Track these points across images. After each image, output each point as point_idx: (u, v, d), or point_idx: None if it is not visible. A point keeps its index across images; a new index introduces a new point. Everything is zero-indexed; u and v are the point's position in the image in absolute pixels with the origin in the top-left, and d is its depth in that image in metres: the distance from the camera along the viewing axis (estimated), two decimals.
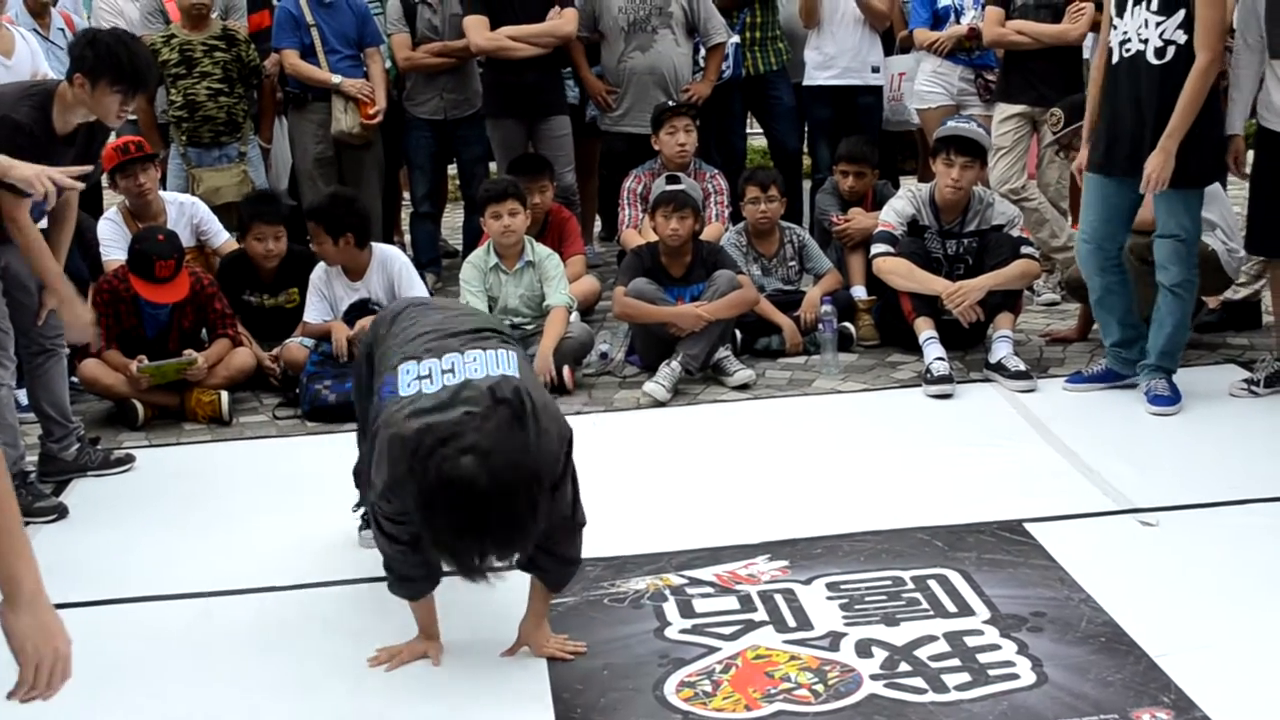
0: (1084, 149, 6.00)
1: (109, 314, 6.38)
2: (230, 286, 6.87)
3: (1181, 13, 5.55)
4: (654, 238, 6.92)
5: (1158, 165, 5.55)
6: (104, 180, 8.25)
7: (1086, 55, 7.70)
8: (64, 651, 2.44)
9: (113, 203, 7.39)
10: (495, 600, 4.30)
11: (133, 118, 7.80)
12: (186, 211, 7.10)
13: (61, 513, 5.27)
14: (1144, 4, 5.62)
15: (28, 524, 5.13)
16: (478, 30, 7.85)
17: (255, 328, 6.86)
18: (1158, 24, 5.59)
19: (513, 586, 4.37)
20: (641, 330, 6.72)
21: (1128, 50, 5.70)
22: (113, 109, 4.99)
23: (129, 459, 5.75)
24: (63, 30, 7.65)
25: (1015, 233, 6.63)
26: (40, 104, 5.00)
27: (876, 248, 6.67)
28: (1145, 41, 5.63)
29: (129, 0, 8.15)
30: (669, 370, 6.38)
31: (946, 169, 6.59)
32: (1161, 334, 5.85)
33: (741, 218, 7.32)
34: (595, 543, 4.66)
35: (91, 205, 7.54)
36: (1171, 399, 5.81)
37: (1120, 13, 5.72)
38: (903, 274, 6.54)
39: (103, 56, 4.89)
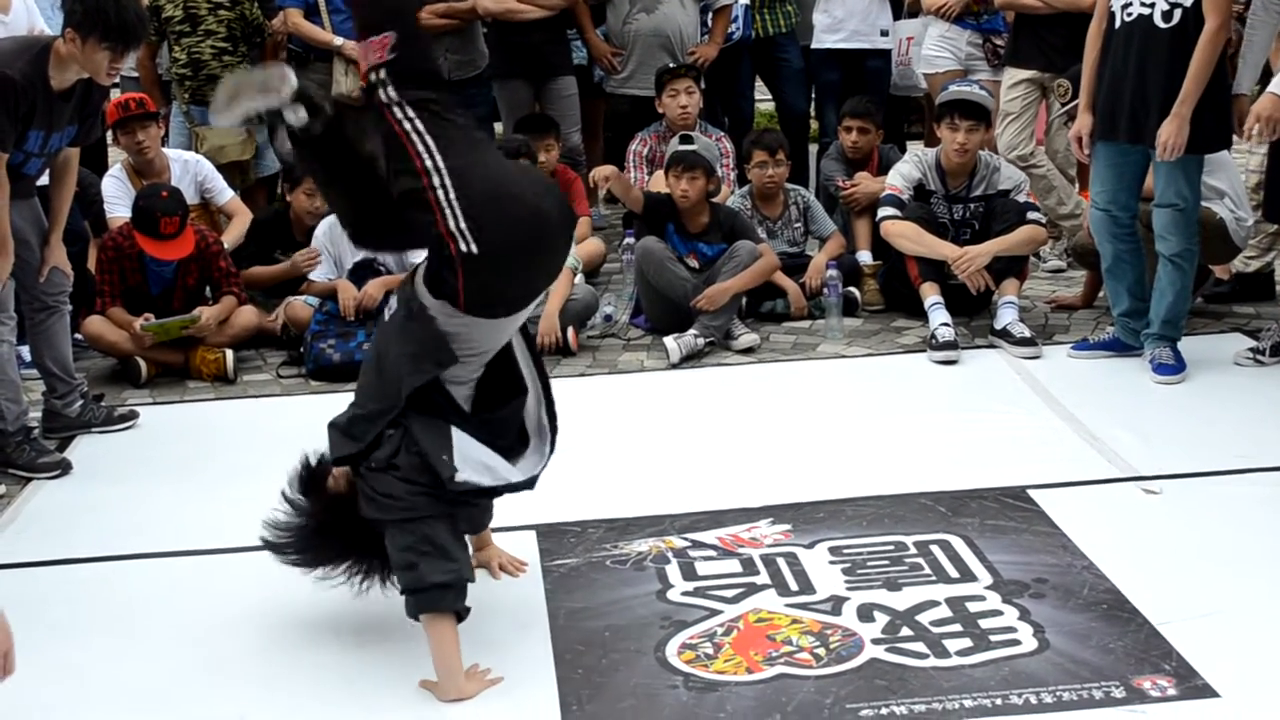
0: (1082, 117, 5.95)
1: (113, 271, 6.36)
2: (263, 244, 6.87)
3: None
4: None
5: (1172, 132, 5.52)
6: (108, 137, 8.24)
7: None
8: (4, 645, 2.51)
9: (117, 159, 7.36)
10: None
11: (134, 74, 7.78)
12: (191, 169, 7.08)
13: (65, 468, 5.27)
14: None
15: (30, 479, 5.16)
16: None
17: (283, 288, 6.85)
18: None
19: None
20: (649, 292, 6.70)
21: (1130, 14, 5.66)
22: (102, 66, 4.91)
23: (132, 415, 5.75)
24: None
25: (1022, 198, 6.60)
26: (36, 60, 4.93)
27: (884, 210, 6.65)
28: (1151, 5, 5.59)
29: None
30: (689, 338, 6.36)
31: (952, 134, 6.56)
32: (1163, 303, 5.84)
33: (747, 181, 7.29)
34: (598, 505, 4.71)
35: (95, 162, 7.52)
36: (1176, 368, 5.80)
37: None
38: (911, 237, 6.52)
39: (91, 12, 4.81)
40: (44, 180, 5.35)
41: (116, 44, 4.87)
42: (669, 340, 6.33)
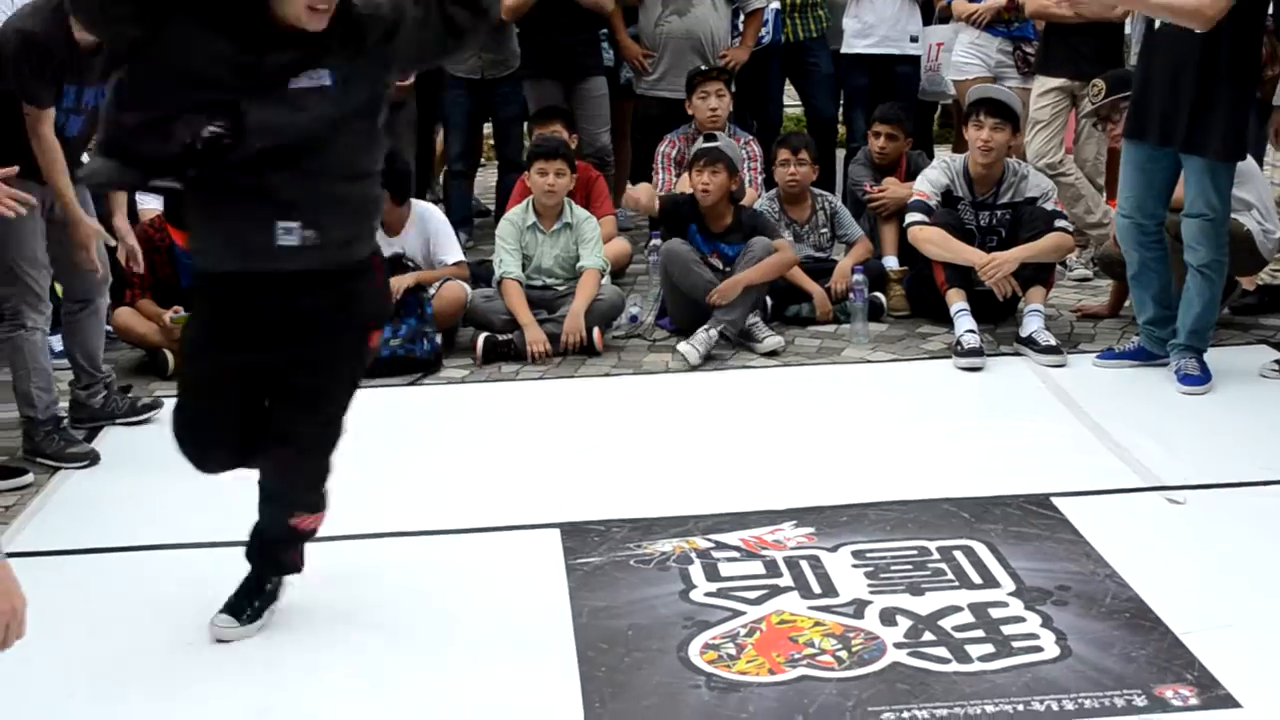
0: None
1: (144, 264, 6.39)
2: None
3: None
4: None
5: None
6: None
7: (1128, 31, 7.65)
8: (20, 610, 2.44)
9: None
10: (516, 561, 4.36)
11: None
12: None
13: (93, 459, 5.31)
14: None
15: (58, 469, 5.20)
16: None
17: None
18: None
19: (524, 557, 4.42)
20: (673, 293, 6.72)
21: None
22: None
23: (157, 404, 5.76)
24: None
25: (1049, 206, 6.61)
26: (55, 15, 4.88)
27: (911, 216, 6.66)
28: None
29: None
30: (706, 336, 6.37)
31: (977, 130, 6.58)
32: (1190, 313, 5.83)
33: (775, 184, 7.31)
34: (622, 504, 4.73)
35: None
36: (1201, 378, 5.80)
37: None
38: (938, 243, 6.53)
39: None
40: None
41: None
42: (682, 346, 6.35)
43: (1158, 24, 5.72)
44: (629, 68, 8.33)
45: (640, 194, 6.78)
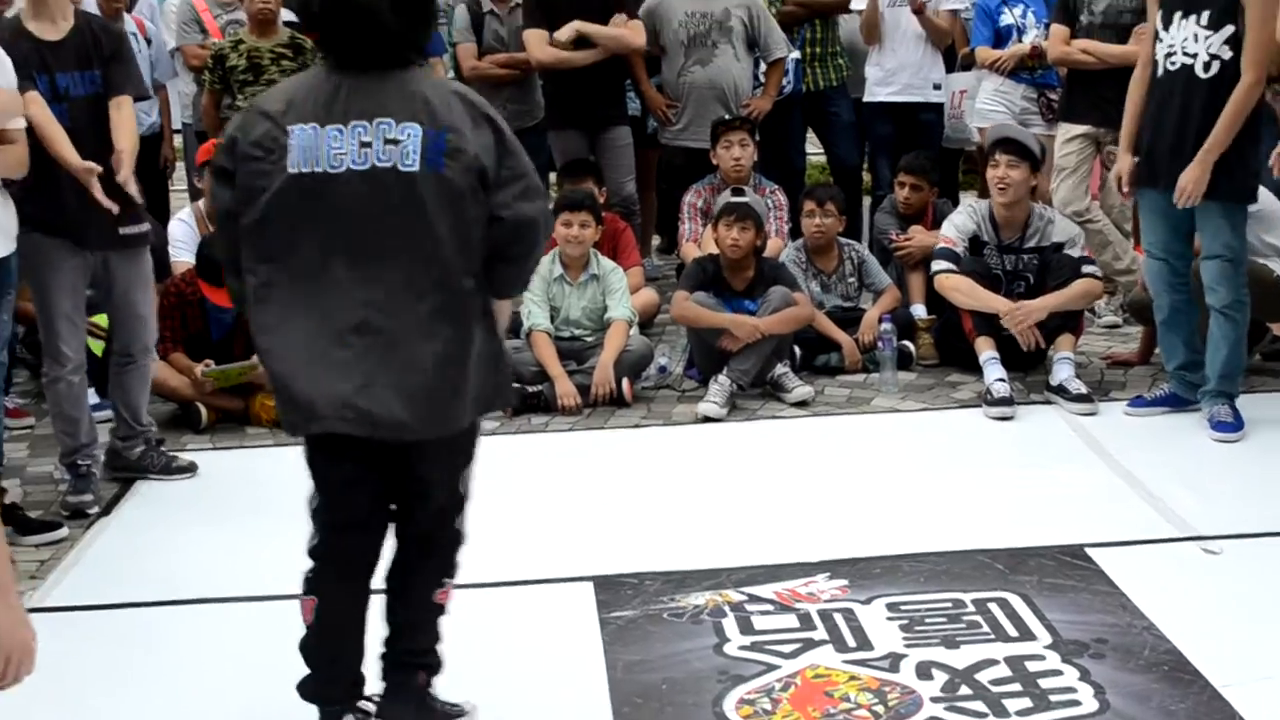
0: (1122, 159, 6.00)
1: (175, 317, 6.44)
2: None
3: (1230, 28, 5.58)
4: (713, 250, 6.93)
5: (1193, 178, 5.60)
6: (170, 183, 8.36)
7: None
8: (30, 645, 2.42)
9: (179, 206, 7.44)
10: (549, 614, 4.36)
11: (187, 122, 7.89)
12: None
13: (78, 513, 5.35)
14: (1193, 18, 5.65)
15: (91, 522, 5.22)
16: (537, 45, 7.87)
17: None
18: (1206, 38, 5.61)
19: (557, 610, 4.41)
20: (700, 344, 6.73)
21: (1173, 64, 5.72)
22: None
23: (191, 467, 5.78)
24: (134, 35, 7.72)
25: (1077, 252, 6.60)
26: (12, 24, 5.09)
27: (938, 264, 6.66)
28: (1194, 55, 5.66)
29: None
30: (719, 386, 6.38)
31: (993, 170, 6.60)
32: (1218, 358, 5.82)
33: (802, 234, 7.33)
34: (654, 557, 4.72)
35: (158, 209, 7.63)
36: (1234, 425, 5.77)
37: (1166, 25, 5.74)
38: (965, 291, 6.53)
39: None
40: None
41: None
42: (701, 406, 6.32)
43: (1160, 72, 5.75)
44: (652, 117, 8.37)
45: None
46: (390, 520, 3.61)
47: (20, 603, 2.44)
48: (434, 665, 3.69)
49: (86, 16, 5.40)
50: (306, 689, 3.66)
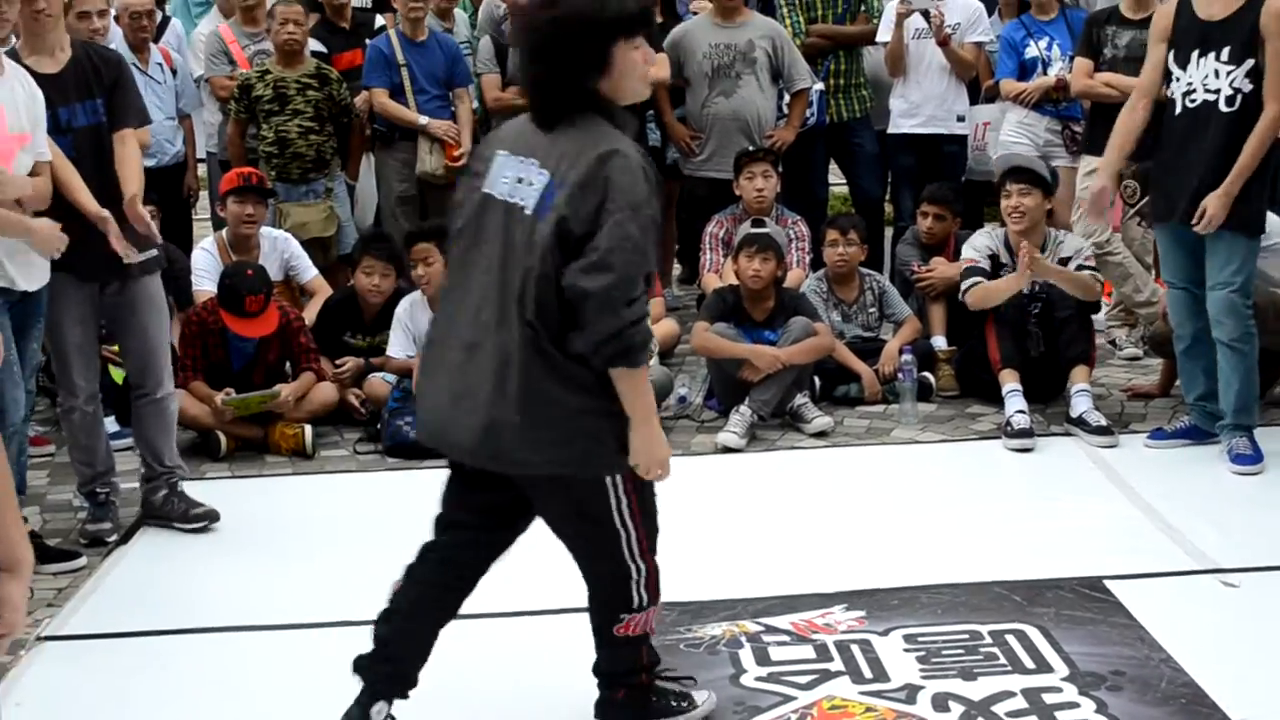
0: (1100, 177, 6.10)
1: (196, 345, 6.47)
2: (333, 326, 6.96)
3: (1250, 62, 5.61)
4: (734, 281, 6.94)
5: (1218, 206, 5.62)
6: (194, 212, 8.41)
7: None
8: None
9: (202, 235, 7.49)
10: (567, 645, 4.35)
11: (212, 151, 7.94)
12: (279, 246, 7.20)
13: (96, 541, 5.36)
14: (1212, 55, 5.67)
15: (109, 550, 5.24)
16: None
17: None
18: (1228, 73, 5.64)
19: (575, 640, 4.41)
20: (720, 374, 6.73)
21: (1193, 101, 5.75)
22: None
23: (211, 517, 5.54)
24: (160, 65, 7.79)
25: (1079, 259, 6.61)
26: (10, 52, 5.04)
27: (968, 281, 6.65)
28: (1216, 91, 5.68)
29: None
30: (739, 417, 6.38)
31: (1006, 200, 6.63)
32: (1231, 391, 5.82)
33: (824, 264, 7.33)
34: (672, 587, 4.66)
35: (181, 238, 7.68)
36: (1254, 458, 5.76)
37: (1184, 65, 5.76)
38: (993, 289, 6.55)
39: None
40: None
41: None
42: (721, 436, 6.34)
43: (1179, 110, 5.77)
44: (675, 148, 8.39)
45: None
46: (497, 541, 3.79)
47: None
48: (633, 685, 3.80)
49: (84, 46, 5.37)
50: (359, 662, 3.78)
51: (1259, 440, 5.83)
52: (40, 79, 5.03)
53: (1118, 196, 7.53)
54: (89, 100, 5.21)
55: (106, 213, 5.04)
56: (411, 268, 6.79)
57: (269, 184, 7.34)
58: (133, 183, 5.17)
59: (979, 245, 6.76)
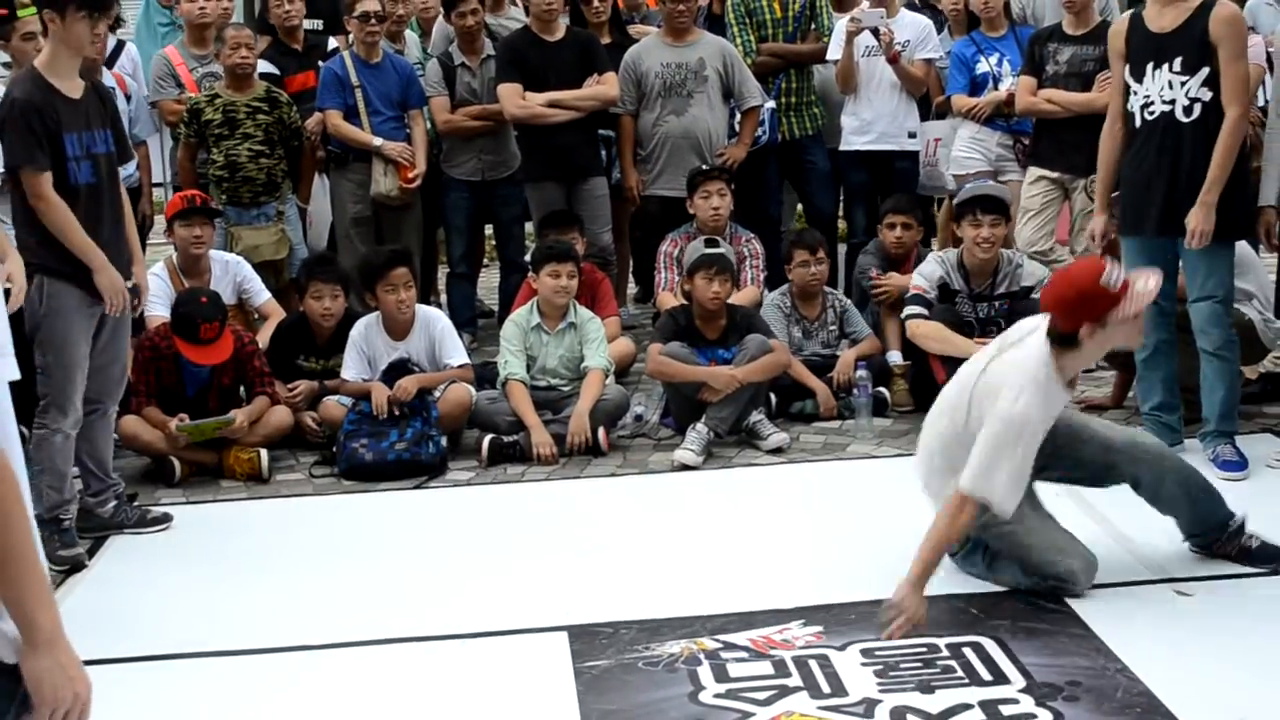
0: (1096, 219, 6.07)
1: (150, 371, 6.44)
2: (286, 350, 6.93)
3: (1205, 70, 5.64)
4: (684, 301, 6.96)
5: (1201, 219, 5.63)
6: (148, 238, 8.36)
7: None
8: (84, 696, 2.38)
9: (155, 259, 7.45)
10: (523, 665, 4.35)
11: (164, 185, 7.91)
12: (231, 270, 7.17)
13: (77, 566, 5.32)
14: (1166, 66, 5.71)
15: (63, 578, 5.19)
16: (511, 99, 7.91)
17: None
18: (1182, 83, 5.68)
19: (531, 660, 4.40)
20: (676, 393, 6.74)
21: (1151, 113, 5.78)
22: (85, 36, 5.16)
23: (166, 518, 5.77)
24: (115, 90, 7.74)
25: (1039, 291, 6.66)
26: (32, 76, 5.19)
27: (909, 309, 6.69)
28: (1172, 102, 5.72)
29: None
30: (696, 434, 6.39)
31: (975, 229, 6.65)
32: (1215, 399, 5.86)
33: (779, 281, 7.35)
34: (629, 606, 4.71)
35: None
36: (1240, 464, 5.80)
37: (1139, 78, 5.79)
38: (936, 338, 6.56)
39: None
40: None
41: (92, 8, 5.10)
42: (678, 454, 6.33)
43: (1138, 123, 5.80)
44: (619, 168, 8.39)
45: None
46: None
47: (73, 656, 2.38)
48: None
49: (89, 77, 5.49)
50: None
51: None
52: (70, 103, 5.19)
53: (1064, 207, 7.59)
54: (103, 129, 5.35)
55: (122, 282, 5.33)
56: (389, 292, 6.73)
57: (214, 204, 7.30)
58: (135, 242, 5.57)
59: (928, 274, 6.78)
